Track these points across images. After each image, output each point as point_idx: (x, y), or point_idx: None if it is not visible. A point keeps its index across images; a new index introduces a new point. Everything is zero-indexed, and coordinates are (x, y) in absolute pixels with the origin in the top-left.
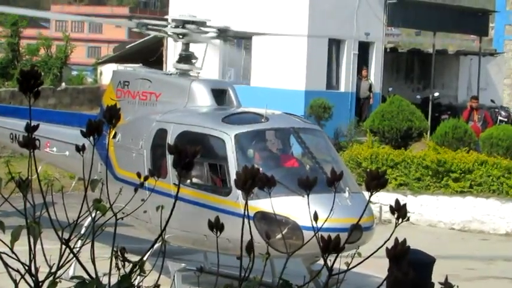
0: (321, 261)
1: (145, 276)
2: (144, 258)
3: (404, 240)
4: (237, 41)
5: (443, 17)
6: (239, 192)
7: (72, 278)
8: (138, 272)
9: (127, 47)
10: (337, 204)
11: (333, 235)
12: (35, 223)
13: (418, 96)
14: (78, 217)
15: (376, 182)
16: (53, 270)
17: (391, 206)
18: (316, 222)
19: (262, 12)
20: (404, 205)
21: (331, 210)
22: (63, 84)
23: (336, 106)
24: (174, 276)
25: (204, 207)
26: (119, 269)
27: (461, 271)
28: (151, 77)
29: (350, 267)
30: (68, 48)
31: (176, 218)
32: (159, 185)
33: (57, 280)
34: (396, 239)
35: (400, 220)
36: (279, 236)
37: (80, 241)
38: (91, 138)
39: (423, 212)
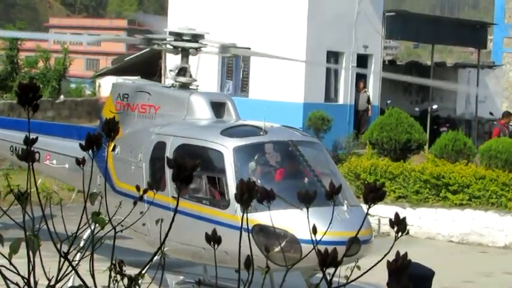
0: (320, 274)
1: None
2: (143, 272)
3: (406, 254)
4: None
5: (441, 30)
6: (237, 205)
7: None
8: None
9: (125, 59)
10: (336, 218)
11: (331, 248)
12: (34, 236)
13: (417, 109)
14: (78, 230)
15: (373, 194)
16: (52, 283)
17: (390, 220)
18: (314, 236)
19: (260, 25)
20: (404, 219)
21: (330, 223)
22: (62, 96)
23: (335, 118)
24: None
25: (202, 220)
26: (117, 282)
27: (460, 284)
28: (151, 89)
29: (349, 280)
30: (67, 61)
31: (175, 231)
32: (157, 198)
33: None
34: (397, 253)
35: (400, 234)
36: (277, 249)
37: (79, 254)
38: (89, 151)
39: (422, 225)
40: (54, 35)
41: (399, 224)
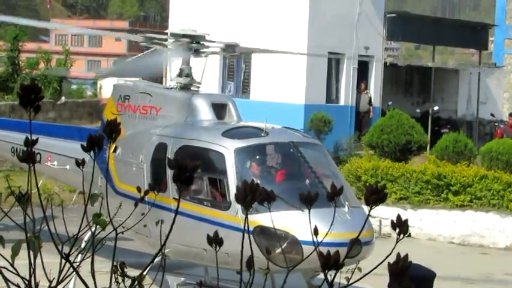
0: (322, 276)
1: None
2: (144, 273)
3: (406, 256)
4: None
5: (442, 31)
6: (238, 206)
7: None
8: (137, 287)
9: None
10: (337, 219)
11: (333, 250)
12: (35, 237)
13: (418, 110)
14: (79, 231)
15: (375, 196)
16: (53, 284)
17: (392, 222)
18: (316, 237)
19: (261, 27)
20: (406, 221)
21: (331, 224)
22: (63, 98)
23: (336, 120)
24: None
25: (203, 221)
26: (118, 283)
27: (461, 285)
28: (152, 91)
29: (350, 282)
30: (68, 62)
31: (176, 233)
32: (159, 199)
33: None
34: (398, 254)
35: (402, 236)
36: (279, 250)
37: (80, 255)
38: (91, 152)
39: (423, 226)
40: (57, 25)
41: (401, 225)
